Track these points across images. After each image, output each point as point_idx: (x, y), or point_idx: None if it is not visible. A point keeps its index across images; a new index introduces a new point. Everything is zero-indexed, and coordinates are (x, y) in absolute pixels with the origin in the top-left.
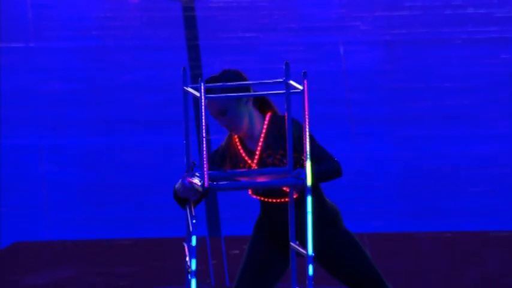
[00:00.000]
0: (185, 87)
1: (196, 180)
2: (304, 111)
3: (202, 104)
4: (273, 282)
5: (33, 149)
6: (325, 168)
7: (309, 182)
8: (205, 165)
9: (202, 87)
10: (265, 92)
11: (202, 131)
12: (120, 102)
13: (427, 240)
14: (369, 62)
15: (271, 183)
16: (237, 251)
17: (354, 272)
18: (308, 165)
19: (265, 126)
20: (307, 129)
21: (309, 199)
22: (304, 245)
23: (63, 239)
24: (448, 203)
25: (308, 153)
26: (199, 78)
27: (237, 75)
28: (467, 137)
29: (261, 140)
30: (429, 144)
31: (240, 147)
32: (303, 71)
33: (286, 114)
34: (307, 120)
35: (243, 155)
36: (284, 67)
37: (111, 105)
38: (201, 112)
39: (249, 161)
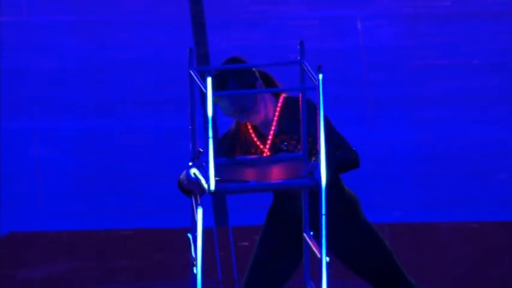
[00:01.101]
0: (191, 71)
1: (201, 178)
2: (319, 109)
3: (209, 100)
4: (286, 275)
5: (26, 133)
6: (342, 159)
7: (323, 182)
8: (211, 169)
9: (210, 94)
10: (278, 88)
11: (208, 132)
12: (120, 82)
13: (451, 231)
14: (389, 38)
15: (284, 184)
16: (246, 243)
17: (373, 264)
18: (323, 172)
19: (278, 109)
20: (321, 129)
21: (324, 200)
22: (318, 236)
23: (58, 230)
24: (475, 191)
25: (323, 157)
26: (206, 77)
27: (244, 65)
28: (497, 120)
29: (274, 123)
30: (455, 127)
31: (251, 131)
32: (318, 64)
33: (300, 101)
34: (321, 120)
35: (255, 139)
36: (299, 47)
37: (110, 85)
38: (207, 110)
39: (261, 146)
